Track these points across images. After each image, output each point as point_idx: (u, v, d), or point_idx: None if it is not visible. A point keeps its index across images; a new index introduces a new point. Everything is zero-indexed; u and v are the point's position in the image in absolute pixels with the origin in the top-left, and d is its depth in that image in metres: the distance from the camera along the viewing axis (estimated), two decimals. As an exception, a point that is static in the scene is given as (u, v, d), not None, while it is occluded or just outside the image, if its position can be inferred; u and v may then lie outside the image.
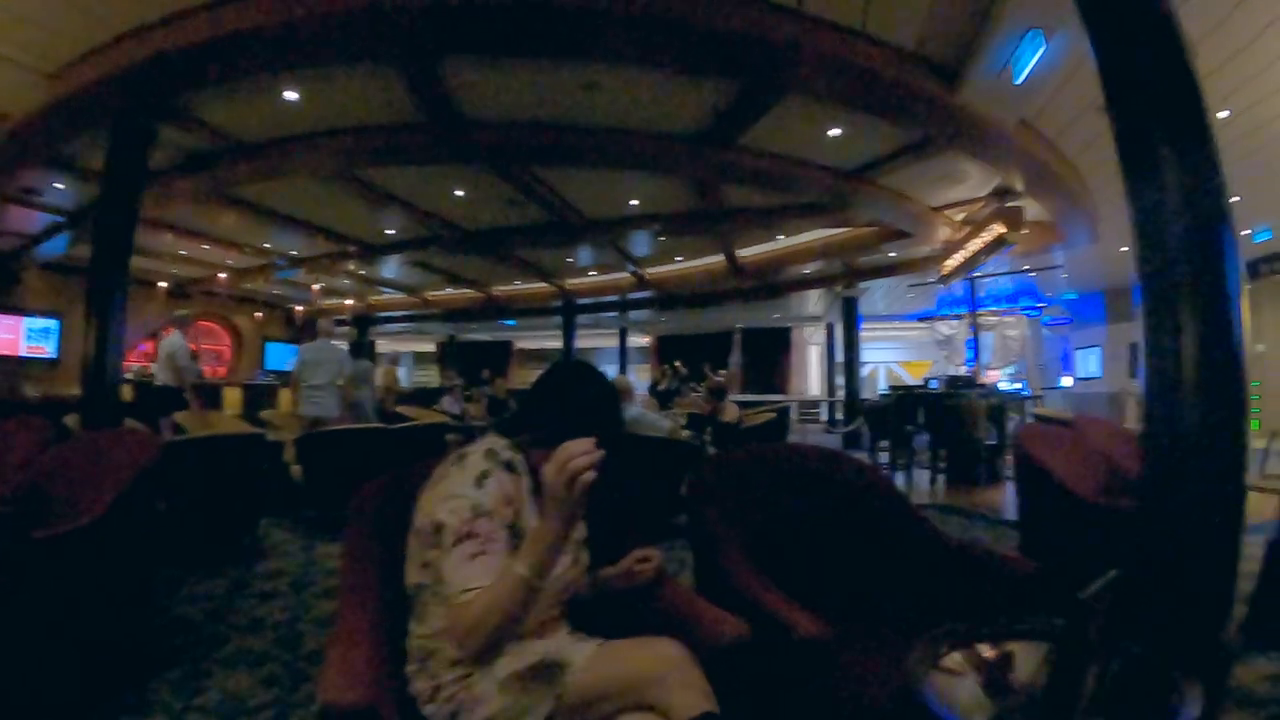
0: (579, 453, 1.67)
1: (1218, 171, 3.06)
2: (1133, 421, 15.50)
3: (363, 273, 18.53)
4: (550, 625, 2.00)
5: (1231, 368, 2.91)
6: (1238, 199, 10.62)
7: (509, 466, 1.95)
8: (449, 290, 21.00)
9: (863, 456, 12.30)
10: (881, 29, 6.14)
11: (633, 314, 24.18)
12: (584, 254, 16.43)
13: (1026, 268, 17.03)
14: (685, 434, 8.09)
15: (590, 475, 1.67)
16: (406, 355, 31.88)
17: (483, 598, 1.66)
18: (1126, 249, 11.85)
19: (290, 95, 7.42)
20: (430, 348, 31.30)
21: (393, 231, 14.02)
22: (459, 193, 11.33)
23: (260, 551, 5.91)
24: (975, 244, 11.84)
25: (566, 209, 12.09)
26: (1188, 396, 2.91)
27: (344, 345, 9.41)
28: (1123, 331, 19.04)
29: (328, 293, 21.62)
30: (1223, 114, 7.65)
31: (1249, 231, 13.41)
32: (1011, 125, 7.56)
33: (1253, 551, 4.32)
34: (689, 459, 6.73)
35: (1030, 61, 6.12)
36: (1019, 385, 19.25)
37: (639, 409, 7.56)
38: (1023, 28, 5.73)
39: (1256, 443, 4.56)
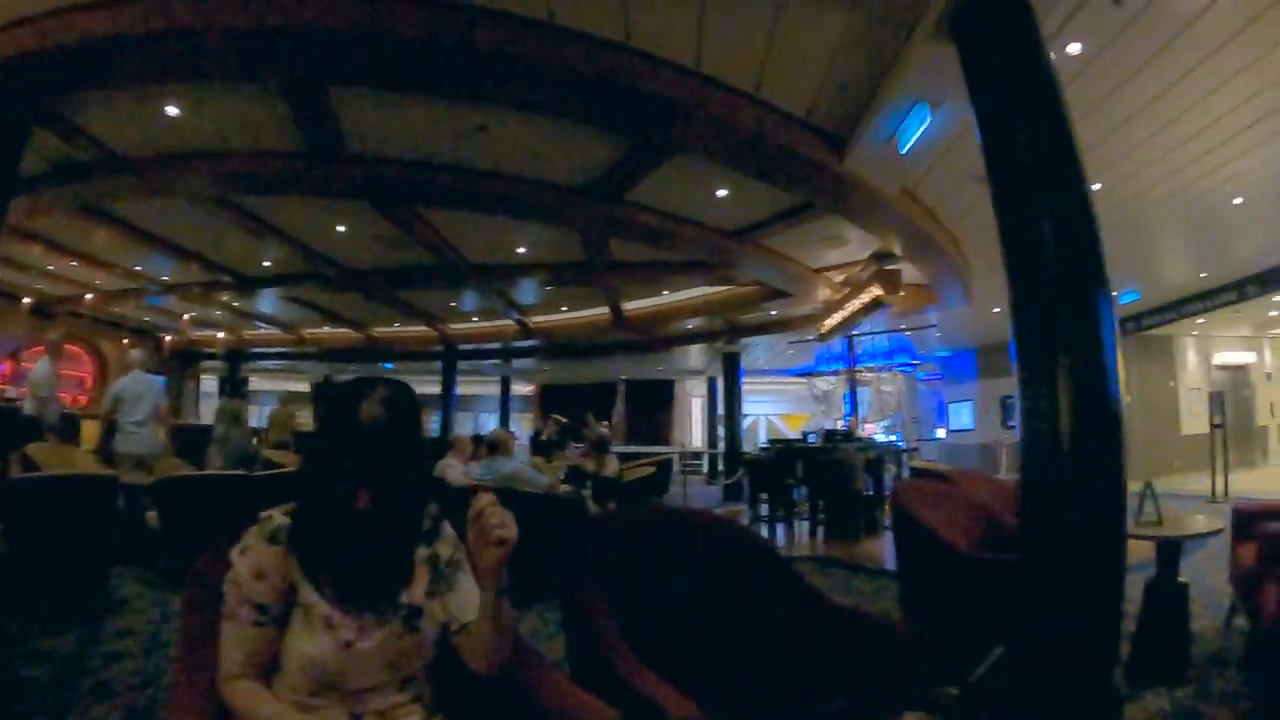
0: (487, 504, 1.66)
1: (1095, 238, 3.41)
2: (1006, 471, 16.43)
3: (237, 305, 17.81)
4: (384, 700, 1.73)
5: (1109, 421, 3.13)
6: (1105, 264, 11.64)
7: (273, 537, 1.69)
8: (327, 329, 20.43)
9: (743, 508, 12.65)
10: (774, 94, 6.34)
11: (516, 362, 24.00)
12: (468, 299, 16.27)
13: (903, 327, 17.76)
14: (565, 489, 8.07)
15: (508, 532, 1.66)
16: (273, 396, 30.17)
17: (241, 700, 1.62)
18: (999, 310, 12.72)
19: (171, 110, 7.09)
20: (305, 388, 29.64)
21: (270, 264, 13.51)
22: (340, 228, 11.05)
23: (111, 605, 5.55)
24: (854, 305, 12.27)
25: (451, 253, 11.98)
26: (1064, 450, 3.10)
27: (159, 378, 8.89)
28: (993, 386, 20.01)
29: (199, 323, 20.71)
30: (1096, 186, 8.28)
31: (1116, 293, 14.48)
32: (894, 192, 7.87)
33: (1132, 593, 4.56)
34: (568, 516, 6.57)
35: (916, 132, 6.29)
36: (894, 437, 20.11)
37: (517, 463, 7.51)
38: (910, 100, 5.94)
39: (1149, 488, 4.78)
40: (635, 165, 7.97)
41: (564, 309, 17.25)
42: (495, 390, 27.25)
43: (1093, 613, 3.09)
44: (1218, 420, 14.21)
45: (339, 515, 1.65)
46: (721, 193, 8.80)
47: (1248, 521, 4.82)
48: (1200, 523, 4.90)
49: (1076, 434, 3.04)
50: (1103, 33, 5.51)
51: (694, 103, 6.03)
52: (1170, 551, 4.49)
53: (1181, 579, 4.52)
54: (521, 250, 12.18)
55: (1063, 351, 3.14)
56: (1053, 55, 5.43)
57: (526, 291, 15.38)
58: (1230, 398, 16.80)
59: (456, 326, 19.66)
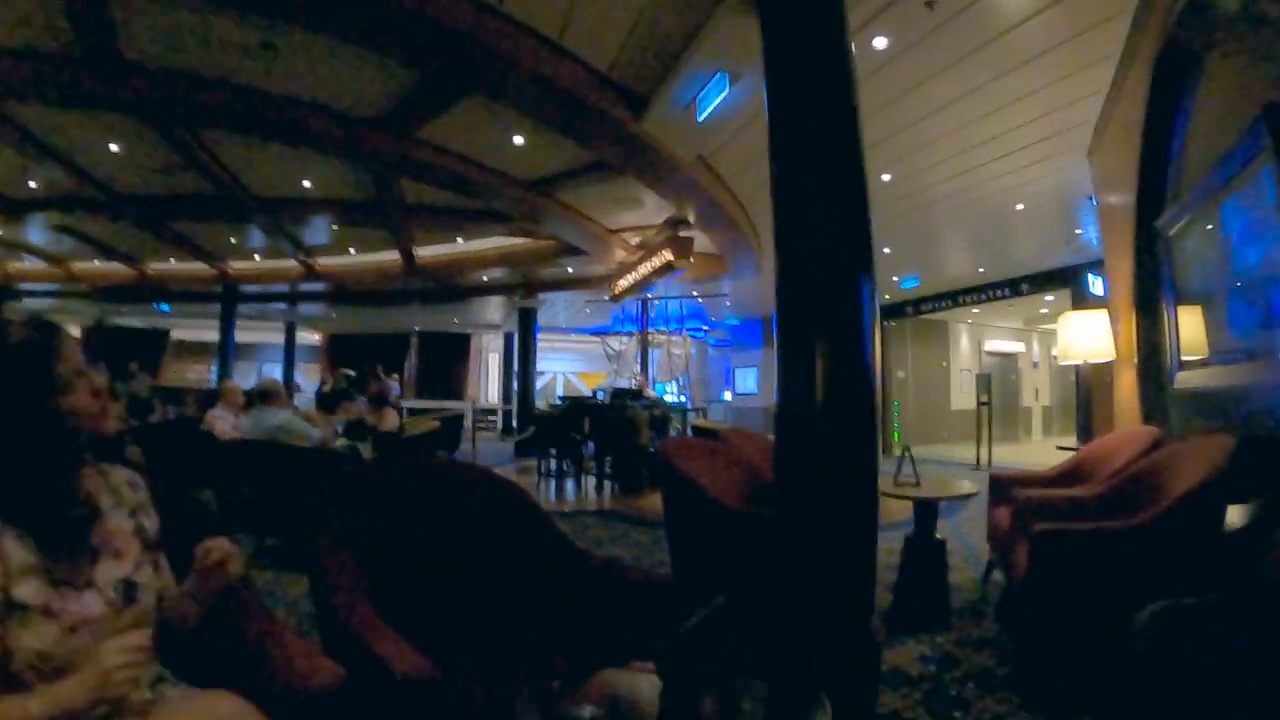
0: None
1: (867, 227, 3.34)
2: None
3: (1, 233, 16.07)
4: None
5: (862, 391, 3.19)
6: (889, 250, 12.06)
7: None
8: (99, 263, 18.60)
9: (534, 463, 12.52)
10: (578, 44, 6.12)
11: (303, 308, 22.66)
12: (251, 236, 15.23)
13: (696, 294, 18.05)
14: (341, 443, 7.59)
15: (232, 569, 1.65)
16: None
17: None
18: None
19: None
20: (75, 332, 27.10)
21: (36, 185, 12.16)
22: (114, 148, 10.07)
23: None
24: (646, 268, 12.36)
25: (233, 183, 11.17)
26: (818, 416, 3.18)
27: None
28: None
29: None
30: (886, 176, 8.55)
31: (898, 278, 15.18)
32: (689, 160, 7.84)
33: (894, 547, 4.92)
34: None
35: (714, 101, 6.27)
36: (684, 398, 20.50)
37: (287, 415, 6.90)
38: (712, 68, 5.90)
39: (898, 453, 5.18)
40: (428, 101, 7.64)
41: (352, 251, 16.39)
42: (280, 339, 25.41)
43: (849, 564, 3.19)
44: (984, 399, 15.65)
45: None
46: (518, 140, 8.55)
47: (1003, 487, 5.18)
48: (957, 486, 5.28)
49: (830, 402, 3.14)
50: (911, 32, 5.56)
51: (493, 41, 5.70)
52: (927, 510, 4.80)
53: (941, 537, 4.84)
54: (308, 184, 11.45)
55: (823, 326, 3.23)
56: (856, 46, 5.38)
57: (314, 231, 14.55)
58: (998, 381, 18.71)
59: (238, 265, 18.31)
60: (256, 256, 17.36)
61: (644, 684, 1.81)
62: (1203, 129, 4.56)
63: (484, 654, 2.43)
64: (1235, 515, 3.48)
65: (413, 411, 15.60)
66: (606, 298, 15.66)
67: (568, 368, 31.57)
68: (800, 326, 3.33)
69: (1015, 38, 5.56)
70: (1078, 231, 11.29)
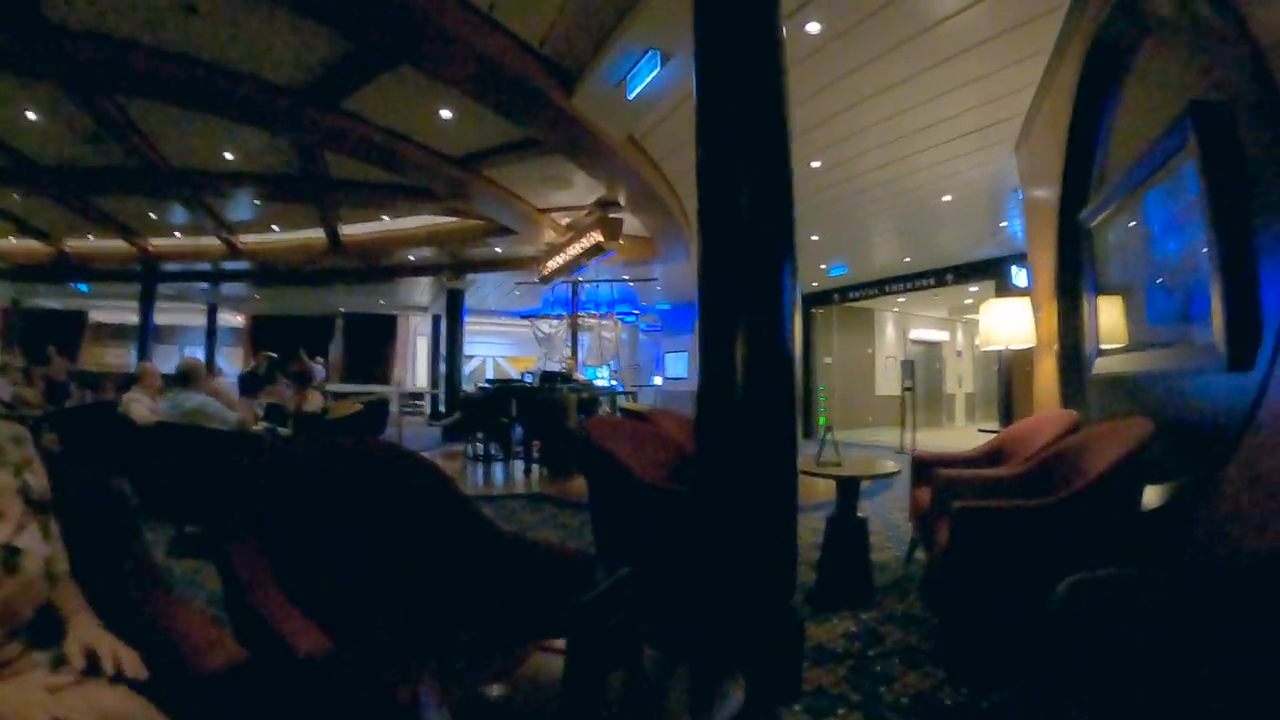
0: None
1: (790, 213, 3.36)
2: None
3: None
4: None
5: (782, 374, 3.22)
6: (817, 237, 12.16)
7: None
8: (13, 240, 17.74)
9: (462, 448, 12.40)
10: (509, 17, 6.02)
11: (225, 289, 21.99)
12: (172, 212, 14.68)
13: (626, 277, 18.02)
14: (260, 426, 7.37)
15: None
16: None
17: None
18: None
19: None
20: None
21: None
22: (31, 115, 9.61)
23: None
24: (575, 249, 12.30)
25: (152, 154, 10.75)
26: (739, 398, 3.18)
27: None
28: None
29: None
30: (816, 163, 8.58)
31: (826, 266, 15.35)
32: (620, 140, 7.80)
33: (820, 526, 4.97)
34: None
35: (645, 80, 6.24)
36: (615, 382, 20.49)
37: (204, 396, 6.62)
38: (643, 46, 5.86)
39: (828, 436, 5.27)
40: (355, 71, 7.45)
41: (276, 228, 15.93)
42: (202, 321, 24.43)
43: (769, 541, 3.22)
44: (908, 385, 15.97)
45: None
46: (445, 115, 8.42)
47: (925, 468, 5.29)
48: (880, 466, 5.38)
49: (750, 383, 3.17)
50: (845, 18, 5.58)
51: (422, 8, 5.55)
52: (848, 488, 4.89)
53: (864, 515, 4.94)
54: (230, 156, 11.05)
55: (744, 309, 3.25)
56: (790, 30, 5.40)
57: (237, 206, 14.13)
58: (922, 368, 19.27)
59: (158, 243, 17.68)
60: (178, 234, 16.80)
61: (558, 663, 1.75)
62: (1128, 125, 4.64)
63: (394, 632, 2.38)
64: (1153, 496, 3.58)
65: (338, 395, 15.31)
66: (536, 279, 15.50)
67: (497, 351, 31.30)
68: (722, 309, 3.33)
69: (949, 29, 5.62)
70: (1003, 224, 11.53)
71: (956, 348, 23.89)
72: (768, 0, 3.62)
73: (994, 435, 5.87)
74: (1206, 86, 3.31)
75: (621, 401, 15.23)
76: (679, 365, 22.36)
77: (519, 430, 11.70)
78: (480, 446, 11.90)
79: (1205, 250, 3.15)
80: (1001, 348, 6.77)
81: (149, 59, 7.27)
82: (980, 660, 3.52)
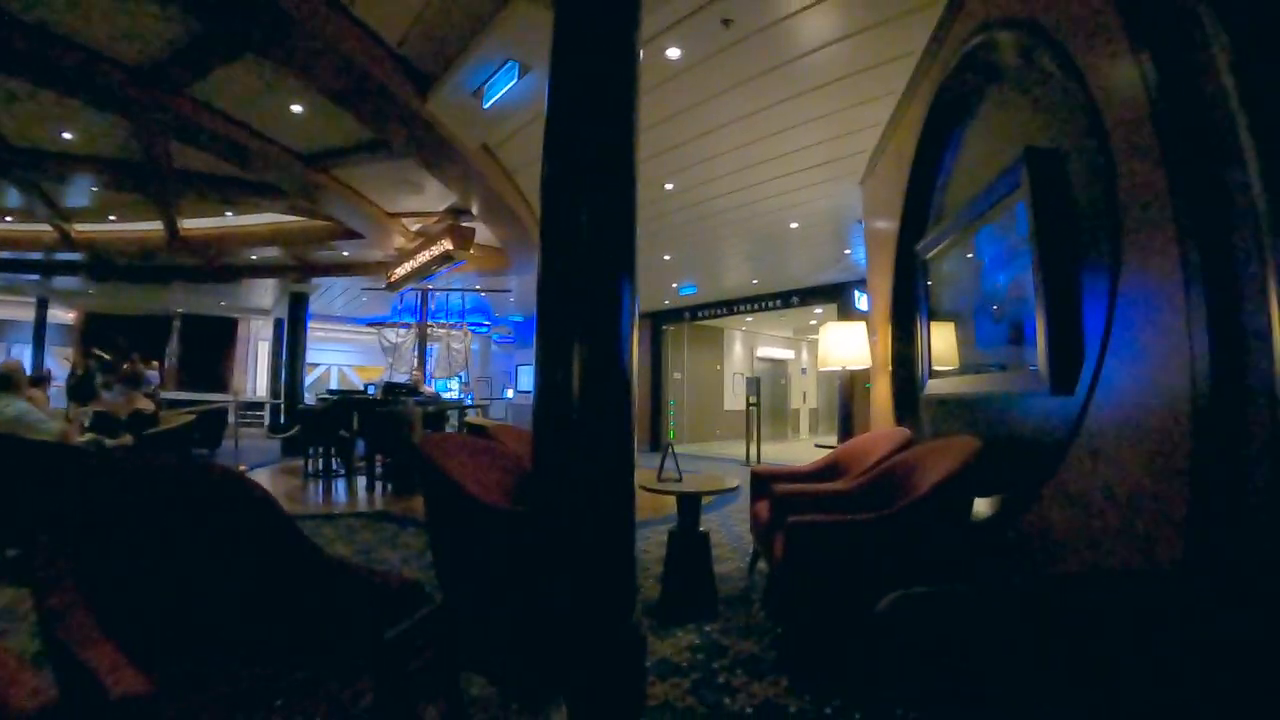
0: None
1: (632, 232, 3.38)
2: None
3: None
4: None
5: (618, 392, 3.24)
6: (669, 257, 12.33)
7: None
8: None
9: (301, 463, 11.95)
10: (368, 13, 5.85)
11: (57, 281, 20.03)
12: (4, 195, 13.49)
13: (479, 288, 17.76)
14: (86, 437, 6.83)
15: None
16: None
17: None
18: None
19: None
20: None
21: None
22: None
23: None
24: (424, 256, 12.08)
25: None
26: (575, 416, 3.18)
27: None
28: None
29: None
30: (669, 185, 8.71)
31: (677, 285, 15.61)
32: (473, 148, 7.70)
33: (663, 539, 4.97)
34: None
35: (502, 89, 6.19)
36: (465, 395, 20.18)
37: (24, 404, 6.14)
38: (502, 56, 5.80)
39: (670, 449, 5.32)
40: (204, 55, 7.06)
41: (112, 218, 14.86)
42: (31, 315, 22.45)
43: (606, 559, 3.21)
44: (753, 400, 16.35)
45: None
46: (296, 109, 8.11)
47: (764, 482, 5.40)
48: (722, 481, 5.43)
49: (587, 402, 3.17)
50: (704, 46, 5.66)
51: None
52: (689, 504, 4.97)
53: (706, 529, 5.04)
54: (69, 137, 10.26)
55: (582, 325, 3.24)
56: (650, 54, 5.52)
57: (73, 192, 13.09)
58: (768, 384, 19.92)
59: (-18, 227, 16.23)
60: (8, 218, 15.44)
61: None
62: (966, 166, 4.89)
63: (214, 664, 2.26)
64: (983, 510, 3.78)
65: (172, 403, 14.48)
66: (383, 286, 15.09)
67: (344, 360, 30.42)
68: (560, 324, 3.31)
69: (806, 65, 5.79)
70: (846, 251, 11.99)
71: (801, 365, 24.77)
72: (627, 21, 3.64)
73: (831, 450, 6.06)
74: (1043, 134, 3.54)
75: (469, 415, 14.99)
76: (531, 378, 22.35)
77: (361, 445, 11.35)
78: (320, 461, 11.45)
79: (1032, 282, 3.35)
80: (839, 368, 7.03)
81: None
82: (820, 668, 3.64)
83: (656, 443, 17.82)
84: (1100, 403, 2.81)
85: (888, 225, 6.31)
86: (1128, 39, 2.58)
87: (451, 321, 19.96)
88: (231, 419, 14.94)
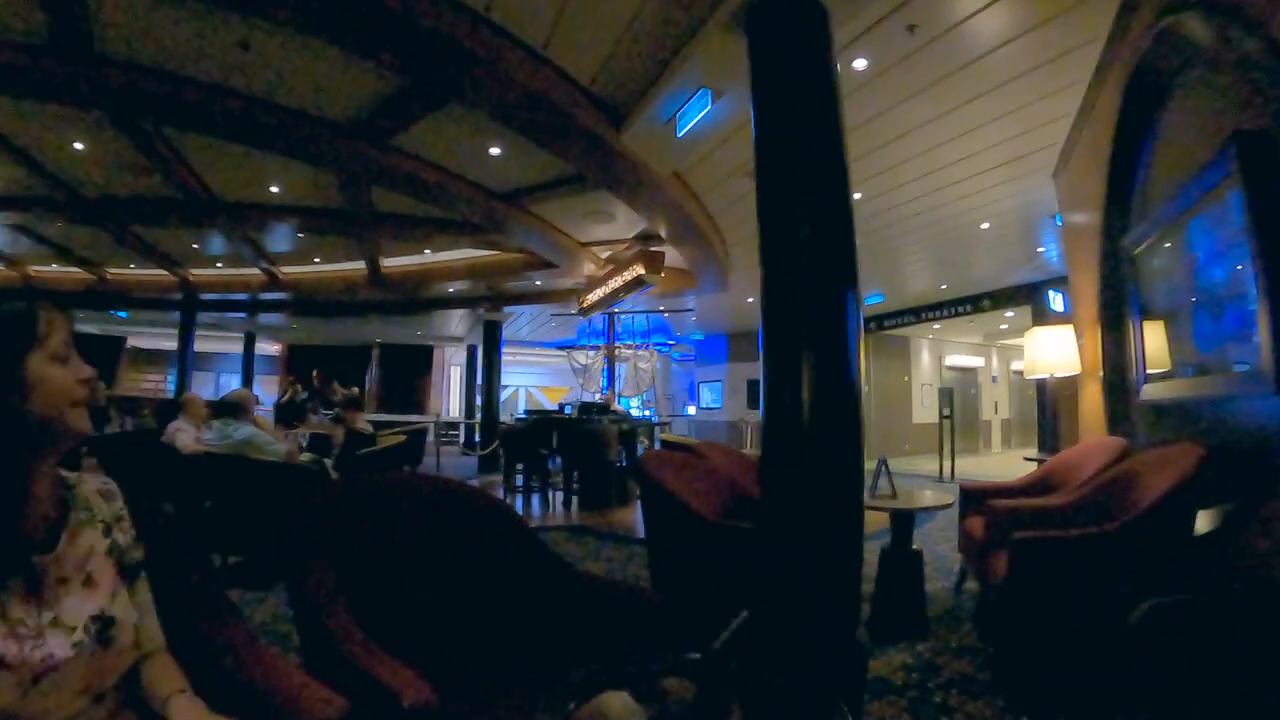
0: None
1: (851, 243, 3.48)
2: (751, 447, 17.25)
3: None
4: None
5: (848, 406, 3.26)
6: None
7: None
8: (56, 267, 17.78)
9: (498, 479, 12.46)
10: (562, 56, 6.06)
11: (263, 318, 22.01)
12: (213, 242, 14.74)
13: (661, 308, 18.09)
14: (306, 457, 7.42)
15: None
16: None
17: None
18: (752, 299, 13.08)
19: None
20: None
21: None
22: (78, 145, 9.64)
23: None
24: (616, 282, 12.34)
25: (197, 186, 10.85)
26: (805, 431, 3.21)
27: None
28: (742, 369, 21.40)
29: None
30: (857, 195, 8.59)
31: (864, 294, 15.44)
32: (665, 175, 7.82)
33: (871, 559, 4.99)
34: (308, 486, 5.98)
35: (695, 118, 6.22)
36: (649, 412, 20.57)
37: (252, 428, 6.70)
38: (695, 85, 5.85)
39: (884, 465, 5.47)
40: (406, 108, 7.49)
41: (317, 260, 15.99)
42: (239, 348, 24.63)
43: (835, 576, 3.23)
44: (946, 412, 15.83)
45: None
46: (494, 151, 8.46)
47: (975, 499, 5.32)
48: (930, 498, 5.32)
49: (817, 417, 3.19)
50: (890, 54, 5.67)
51: (477, 49, 5.58)
52: (904, 521, 4.96)
53: (915, 547, 4.99)
54: (275, 190, 11.15)
55: (808, 344, 3.28)
56: (839, 67, 5.50)
57: (278, 238, 14.20)
58: (958, 394, 19.03)
59: (199, 272, 17.76)
60: (219, 264, 16.92)
61: (615, 702, 1.76)
62: (1170, 153, 4.69)
63: (478, 676, 2.38)
64: (1203, 521, 3.61)
65: (375, 425, 15.44)
66: (574, 311, 15.59)
67: (530, 382, 31.53)
68: (787, 339, 3.36)
69: (988, 64, 5.71)
70: (1039, 250, 11.55)
71: (992, 373, 23.76)
72: (821, 38, 3.74)
73: (1041, 464, 5.88)
74: (1249, 115, 3.38)
75: (659, 433, 15.26)
76: (712, 395, 22.54)
77: (556, 461, 11.71)
78: (519, 477, 11.91)
79: (1251, 276, 3.21)
80: (1047, 375, 6.78)
81: (198, 92, 7.29)
82: (1040, 689, 3.55)
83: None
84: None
85: (1087, 219, 6.05)
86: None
87: (637, 342, 20.43)
88: (431, 438, 15.75)
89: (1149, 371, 5.15)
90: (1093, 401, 6.11)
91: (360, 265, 15.56)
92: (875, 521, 5.09)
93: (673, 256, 11.61)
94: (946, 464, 15.27)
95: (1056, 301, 13.10)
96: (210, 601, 1.88)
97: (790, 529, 3.26)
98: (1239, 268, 3.50)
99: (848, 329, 3.31)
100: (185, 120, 8.12)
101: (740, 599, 3.58)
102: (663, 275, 11.81)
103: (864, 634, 3.36)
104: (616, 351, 19.40)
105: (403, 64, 6.21)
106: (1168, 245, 4.69)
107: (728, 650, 1.47)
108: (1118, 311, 5.64)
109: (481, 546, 2.77)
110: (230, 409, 6.81)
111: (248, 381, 23.28)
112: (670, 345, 24.17)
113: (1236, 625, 2.01)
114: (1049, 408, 8.61)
